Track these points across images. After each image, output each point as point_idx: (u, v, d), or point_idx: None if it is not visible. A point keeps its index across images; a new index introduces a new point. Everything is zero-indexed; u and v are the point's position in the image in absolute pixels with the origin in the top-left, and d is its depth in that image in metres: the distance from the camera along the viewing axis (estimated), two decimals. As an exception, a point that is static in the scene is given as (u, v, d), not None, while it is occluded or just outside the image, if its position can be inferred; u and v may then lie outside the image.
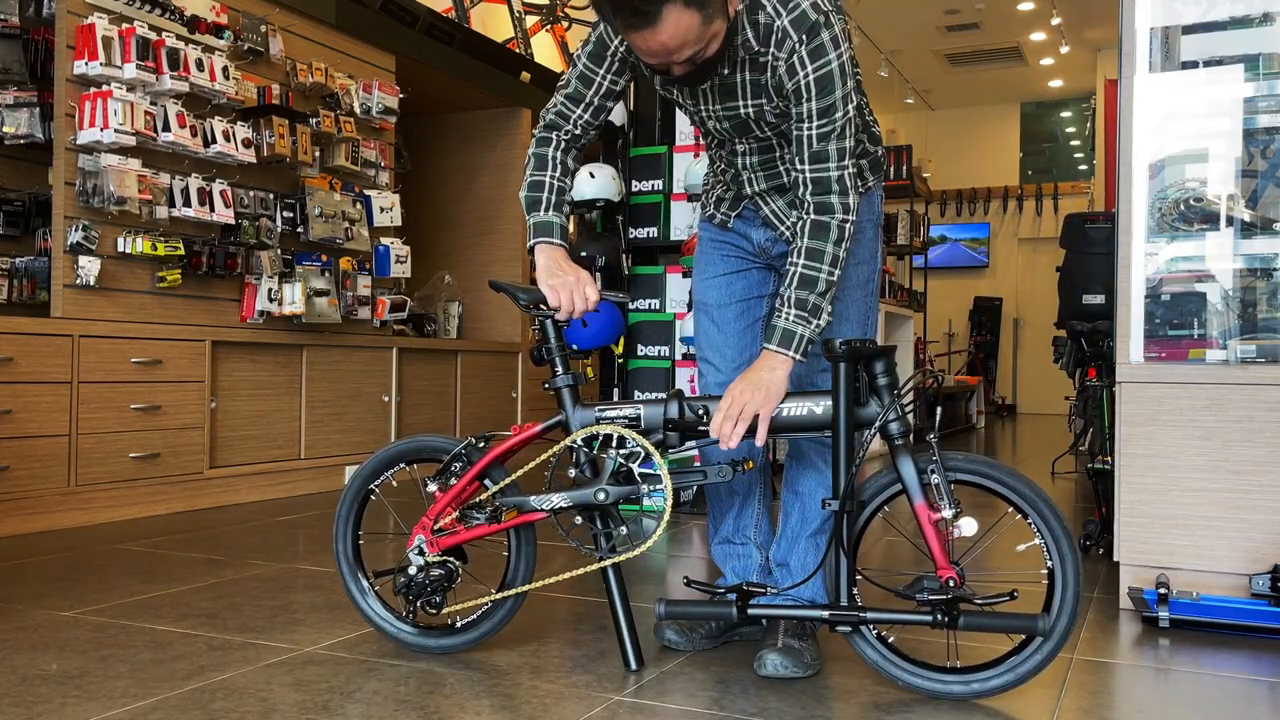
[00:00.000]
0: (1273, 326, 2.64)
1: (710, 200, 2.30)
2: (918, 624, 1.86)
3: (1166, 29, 2.73)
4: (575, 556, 3.23)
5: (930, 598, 1.83)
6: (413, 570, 2.10)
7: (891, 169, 9.47)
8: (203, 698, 1.85)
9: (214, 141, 4.14)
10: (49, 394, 3.63)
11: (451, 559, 2.11)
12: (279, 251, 4.45)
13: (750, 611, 1.94)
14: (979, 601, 1.83)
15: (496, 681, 1.98)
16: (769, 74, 1.94)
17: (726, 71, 1.97)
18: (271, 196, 4.49)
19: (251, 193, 4.38)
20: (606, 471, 2.01)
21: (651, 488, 1.99)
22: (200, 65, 4.08)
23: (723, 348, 2.25)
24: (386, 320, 5.11)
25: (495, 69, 6.21)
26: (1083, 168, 13.15)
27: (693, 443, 2.03)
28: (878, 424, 1.89)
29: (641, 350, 4.48)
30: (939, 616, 1.82)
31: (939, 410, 2.02)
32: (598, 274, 4.38)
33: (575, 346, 4.25)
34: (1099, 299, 4.03)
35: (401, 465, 2.19)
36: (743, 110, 2.02)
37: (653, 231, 4.56)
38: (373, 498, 2.22)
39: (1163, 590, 2.45)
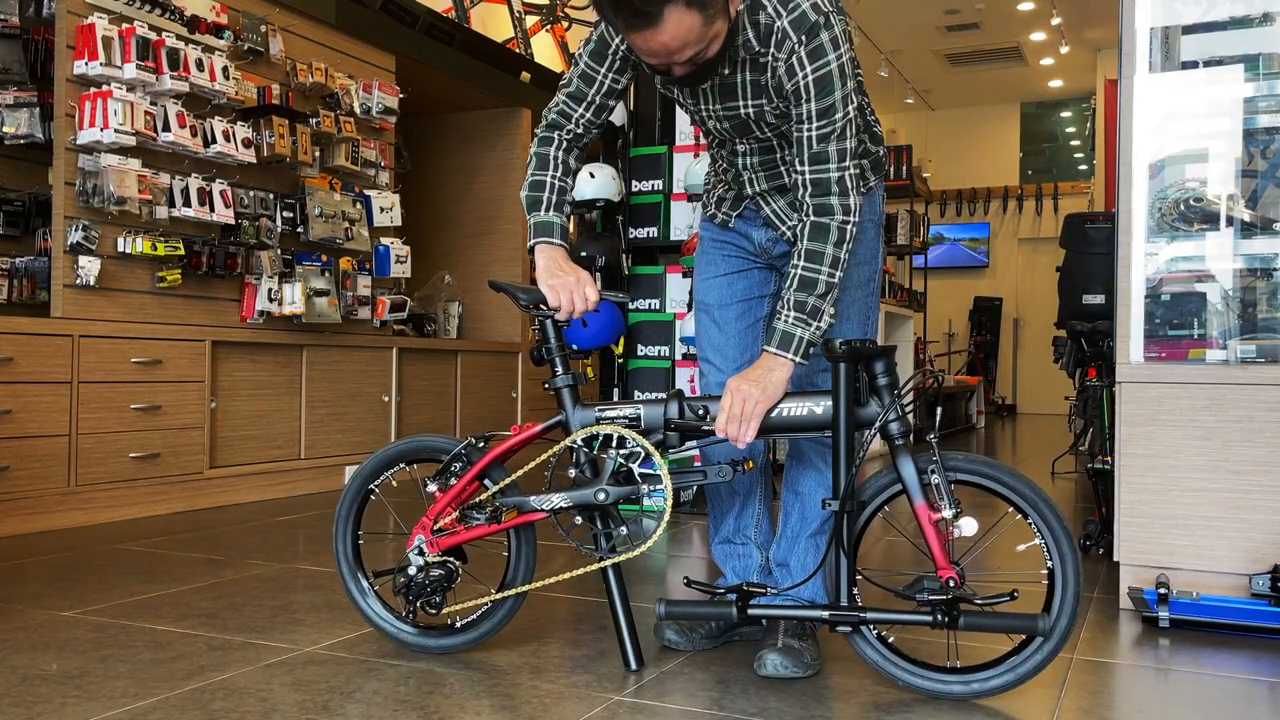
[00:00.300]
0: (1273, 326, 2.64)
1: (711, 200, 2.30)
2: (918, 624, 1.86)
3: (1166, 29, 2.73)
4: (575, 556, 3.23)
5: (930, 598, 1.83)
6: (412, 570, 2.10)
7: (891, 169, 9.47)
8: (203, 698, 1.86)
9: (214, 141, 4.14)
10: (49, 394, 3.63)
11: (451, 559, 2.11)
12: (279, 251, 4.45)
13: (750, 612, 1.94)
14: (979, 601, 1.83)
15: (496, 681, 1.98)
16: (769, 74, 1.94)
17: (727, 71, 1.97)
18: (271, 196, 4.49)
19: (251, 193, 4.38)
20: (606, 472, 2.01)
21: (651, 488, 1.99)
22: (200, 65, 4.08)
23: (724, 348, 2.25)
24: (386, 320, 5.11)
25: (495, 69, 6.20)
26: (1083, 168, 13.15)
27: (693, 443, 2.03)
28: (878, 424, 1.89)
29: (641, 350, 4.48)
30: (939, 617, 1.82)
31: (939, 410, 2.02)
32: (598, 274, 4.37)
33: (575, 346, 4.25)
34: (1099, 299, 4.03)
35: (401, 465, 2.19)
36: (743, 110, 2.02)
37: (653, 231, 4.56)
38: (373, 498, 2.22)
39: (1163, 590, 2.45)
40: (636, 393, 4.44)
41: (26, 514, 3.56)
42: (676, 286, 4.47)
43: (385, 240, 5.11)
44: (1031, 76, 12.32)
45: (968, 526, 1.82)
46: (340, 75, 4.88)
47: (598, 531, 2.04)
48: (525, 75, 6.47)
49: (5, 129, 3.88)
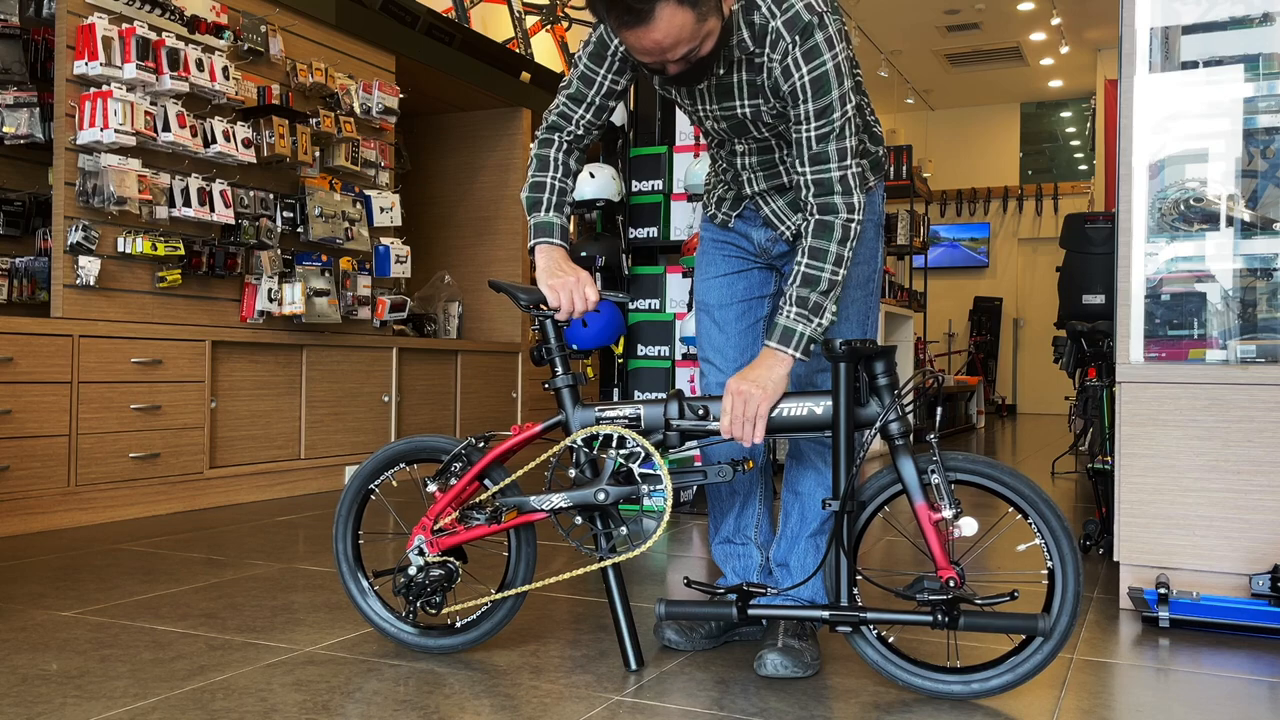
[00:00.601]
0: (1273, 326, 2.64)
1: (712, 200, 2.30)
2: (918, 624, 1.86)
3: (1166, 29, 2.73)
4: (575, 556, 3.23)
5: (930, 598, 1.83)
6: (413, 570, 2.10)
7: (891, 169, 9.47)
8: (203, 698, 1.86)
9: (214, 141, 4.15)
10: (49, 394, 3.63)
11: (451, 559, 2.11)
12: (279, 251, 4.45)
13: (750, 612, 1.94)
14: (979, 602, 1.83)
15: (496, 681, 1.98)
16: (765, 75, 1.94)
17: (723, 72, 1.97)
18: (271, 196, 4.49)
19: (251, 193, 4.38)
20: (606, 472, 2.01)
21: (651, 488, 1.99)
22: (200, 65, 4.08)
23: (724, 348, 2.25)
24: (386, 320, 5.11)
25: (495, 69, 6.21)
26: (1083, 168, 13.15)
27: (693, 443, 2.03)
28: (878, 424, 1.89)
29: (641, 350, 4.48)
30: (939, 617, 1.82)
31: (939, 410, 2.02)
32: (598, 274, 4.38)
33: (575, 346, 4.25)
34: (1099, 299, 4.03)
35: (401, 465, 2.19)
36: (739, 110, 2.02)
37: (653, 231, 4.56)
38: (373, 498, 2.22)
39: (1163, 590, 2.46)
40: (636, 393, 4.44)
41: (26, 514, 3.56)
42: (676, 286, 4.47)
43: (385, 240, 5.11)
44: (1031, 76, 12.32)
45: (968, 526, 1.82)
46: (340, 75, 4.88)
47: (598, 531, 2.04)
48: (525, 75, 6.47)
49: (5, 129, 3.88)
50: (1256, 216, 2.71)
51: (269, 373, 4.53)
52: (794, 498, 2.21)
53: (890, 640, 1.94)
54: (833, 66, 1.88)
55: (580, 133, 2.11)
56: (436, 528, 2.11)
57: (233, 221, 4.23)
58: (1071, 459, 6.26)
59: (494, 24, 7.41)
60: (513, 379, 6.24)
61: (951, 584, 1.82)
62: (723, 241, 2.28)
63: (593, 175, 4.42)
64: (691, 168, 4.38)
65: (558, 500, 2.02)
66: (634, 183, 4.60)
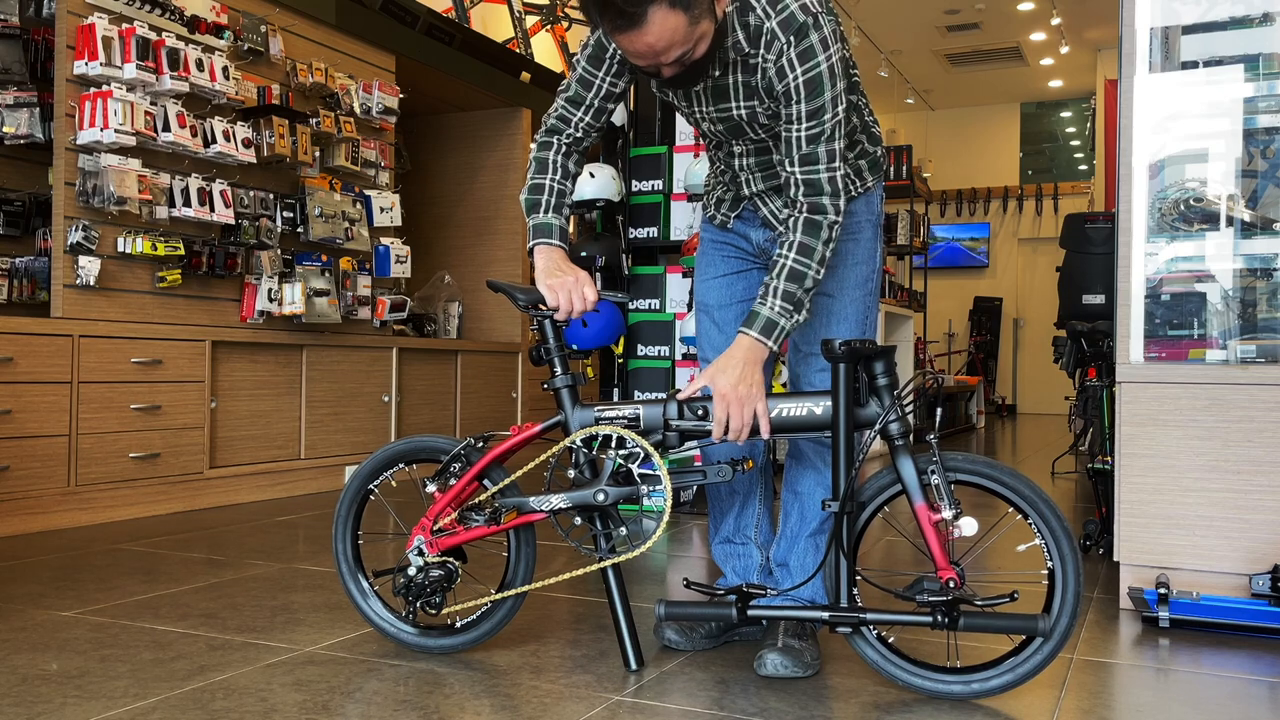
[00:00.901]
0: (1273, 326, 2.64)
1: (711, 201, 2.30)
2: (918, 625, 1.86)
3: (1166, 29, 2.73)
4: (575, 557, 3.23)
5: (930, 598, 1.83)
6: (412, 571, 2.10)
7: (891, 169, 9.47)
8: (203, 698, 1.86)
9: (214, 141, 4.15)
10: (49, 394, 3.63)
11: (451, 559, 2.11)
12: (279, 251, 4.45)
13: (750, 612, 1.94)
14: (979, 602, 1.83)
15: (496, 681, 1.98)
16: (759, 76, 1.94)
17: (718, 73, 1.98)
18: (271, 196, 4.49)
19: (251, 193, 4.38)
20: (606, 472, 2.01)
21: (651, 488, 1.99)
22: (200, 65, 4.08)
23: (723, 348, 2.24)
24: (386, 320, 5.11)
25: (495, 69, 6.21)
26: (1083, 168, 13.15)
27: (692, 443, 2.03)
28: (878, 425, 1.89)
29: (641, 350, 4.48)
30: (939, 617, 1.82)
31: (939, 411, 2.02)
32: (598, 274, 4.37)
33: (575, 347, 4.25)
34: (1099, 299, 4.03)
35: (401, 465, 2.19)
36: (735, 112, 2.03)
37: (653, 231, 4.56)
38: (372, 498, 2.22)
39: (1163, 590, 2.45)
40: (636, 393, 4.44)
41: (26, 514, 3.56)
42: (676, 286, 4.47)
43: (385, 240, 5.11)
44: (1031, 76, 12.32)
45: (968, 527, 1.82)
46: (340, 75, 4.88)
47: (597, 532, 2.04)
48: (525, 75, 6.47)
49: (5, 129, 3.88)
50: (1256, 216, 2.71)
51: (269, 373, 4.53)
52: (793, 497, 2.21)
53: (890, 640, 1.94)
54: (827, 68, 1.89)
55: (579, 135, 2.12)
56: (436, 528, 2.11)
57: (233, 221, 4.24)
58: (1071, 459, 6.26)
59: (494, 24, 7.41)
60: (512, 379, 6.24)
61: (951, 584, 1.82)
62: (722, 242, 2.29)
63: (593, 175, 4.42)
64: (691, 168, 4.38)
65: (557, 501, 2.02)
66: (634, 183, 4.60)
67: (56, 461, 3.65)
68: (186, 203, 4.06)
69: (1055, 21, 10.38)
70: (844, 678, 2.03)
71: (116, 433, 3.85)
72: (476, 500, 2.11)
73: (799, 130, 1.93)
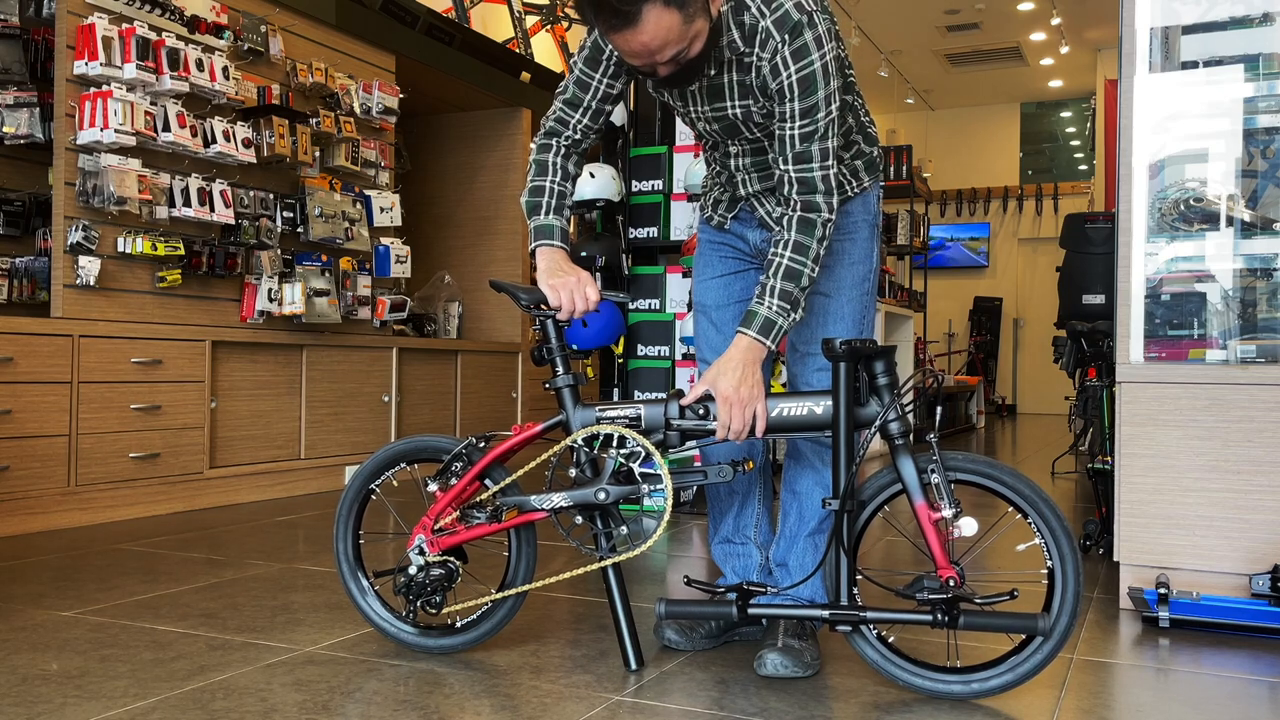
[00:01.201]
0: (1273, 326, 2.64)
1: (708, 202, 2.31)
2: (918, 624, 1.86)
3: (1166, 29, 2.73)
4: (575, 556, 3.23)
5: (930, 597, 1.83)
6: (413, 570, 2.10)
7: (891, 169, 9.47)
8: (203, 698, 1.86)
9: (214, 141, 4.15)
10: (49, 394, 3.63)
11: (452, 559, 2.11)
12: (279, 251, 4.45)
13: (750, 611, 1.94)
14: (979, 601, 1.84)
15: (496, 681, 1.98)
16: (754, 74, 1.95)
17: (713, 73, 1.98)
18: (271, 196, 4.49)
19: (251, 193, 4.38)
20: (607, 471, 2.01)
21: (652, 487, 1.99)
22: (200, 65, 4.08)
23: (721, 348, 2.25)
24: (386, 320, 5.11)
25: (495, 69, 6.21)
26: (1083, 168, 13.15)
27: (693, 442, 2.03)
28: (877, 423, 1.89)
29: (641, 350, 4.48)
30: (939, 616, 1.82)
31: (939, 410, 2.02)
32: (598, 274, 4.37)
33: (575, 346, 4.25)
34: (1099, 299, 4.03)
35: (402, 465, 2.19)
36: (730, 111, 2.03)
37: (653, 231, 4.56)
38: (374, 498, 2.22)
39: (1163, 590, 2.46)
40: (636, 393, 4.44)
41: (26, 514, 3.56)
42: (676, 286, 4.47)
43: (385, 240, 5.11)
44: (1031, 76, 12.32)
45: (968, 526, 1.82)
46: (340, 75, 4.88)
47: (598, 531, 2.04)
48: (525, 75, 6.48)
49: (5, 129, 3.88)
50: (1256, 216, 2.71)
51: (269, 373, 4.53)
52: (792, 497, 2.22)
53: (890, 640, 1.94)
54: (820, 66, 1.89)
55: (578, 137, 2.12)
56: (437, 527, 2.11)
57: (233, 221, 4.24)
58: (1071, 459, 6.26)
59: (494, 24, 7.41)
60: (513, 379, 6.24)
61: (951, 583, 1.82)
62: (719, 243, 2.29)
63: (593, 175, 4.42)
64: (691, 168, 4.38)
65: (558, 500, 2.02)
66: (634, 183, 4.61)
67: (56, 461, 3.65)
68: (186, 203, 4.06)
69: (1055, 21, 10.38)
70: (844, 678, 2.03)
71: (116, 433, 3.85)
72: (478, 499, 2.11)
73: (792, 129, 1.94)
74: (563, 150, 2.12)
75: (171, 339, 4.06)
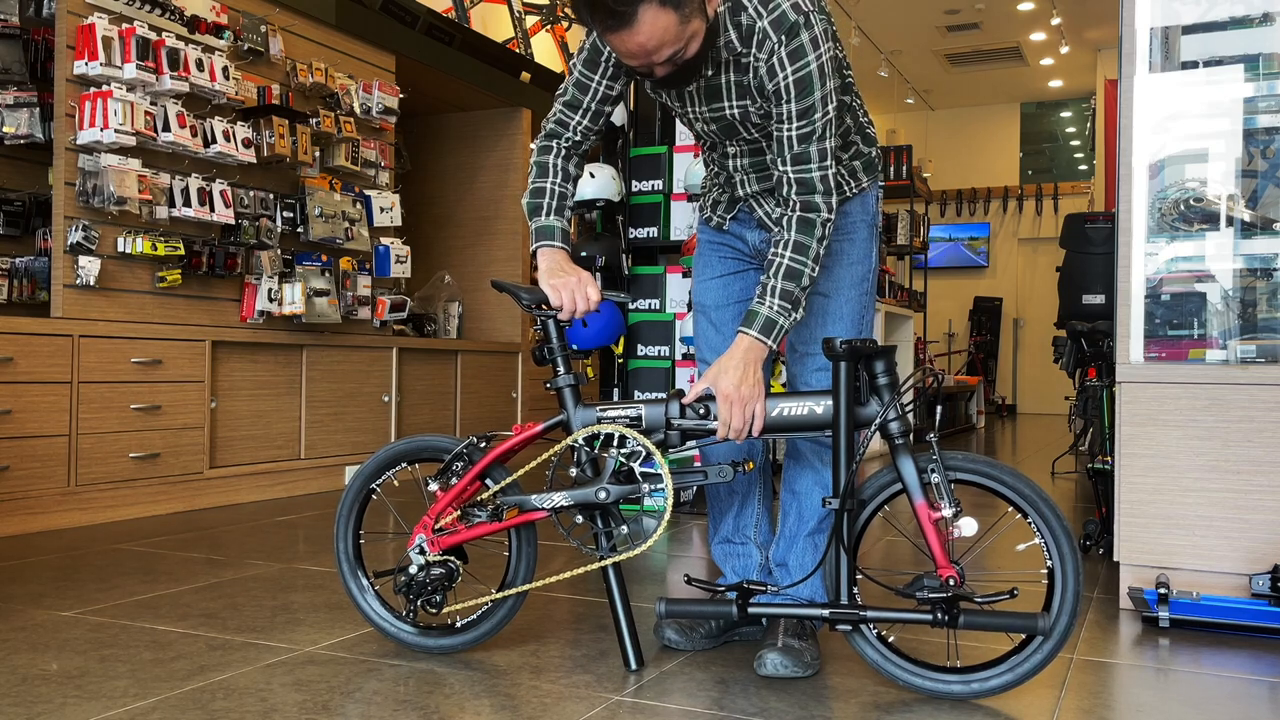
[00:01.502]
0: (1273, 326, 2.64)
1: (707, 203, 2.32)
2: (918, 623, 1.86)
3: (1166, 29, 2.73)
4: (575, 556, 3.23)
5: (930, 596, 1.83)
6: (413, 569, 2.10)
7: (891, 169, 9.47)
8: (203, 698, 1.86)
9: (214, 141, 4.15)
10: (49, 394, 3.63)
11: (452, 558, 2.11)
12: (279, 251, 4.45)
13: (750, 610, 1.94)
14: (979, 600, 1.84)
15: (496, 681, 1.98)
16: (751, 75, 1.95)
17: (711, 73, 1.99)
18: (271, 196, 4.49)
19: (251, 193, 4.38)
20: (607, 471, 2.01)
21: (652, 487, 1.99)
22: (200, 65, 4.08)
23: (721, 348, 2.25)
24: (386, 320, 5.11)
25: (495, 69, 6.21)
26: (1083, 168, 13.15)
27: (693, 442, 2.03)
28: (877, 423, 1.89)
29: (641, 350, 4.48)
30: (939, 615, 1.82)
31: (939, 410, 2.02)
32: (598, 274, 4.37)
33: (575, 346, 4.25)
34: (1099, 299, 4.03)
35: (403, 465, 2.19)
36: (728, 112, 2.03)
37: (653, 231, 4.56)
38: (374, 497, 2.22)
39: (1163, 590, 2.46)
40: (637, 393, 4.44)
41: (26, 514, 3.56)
42: (676, 286, 4.47)
43: (385, 240, 5.11)
44: (1031, 76, 12.32)
45: (967, 526, 1.82)
46: (340, 75, 4.88)
47: (598, 530, 2.04)
48: (525, 75, 6.48)
49: (5, 129, 3.88)
50: (1256, 216, 2.71)
51: (269, 373, 4.53)
52: (792, 497, 2.22)
53: (890, 640, 1.94)
54: (817, 67, 1.90)
55: (578, 139, 2.13)
56: (437, 527, 2.11)
57: (233, 221, 4.24)
58: (1071, 459, 6.26)
59: (494, 24, 7.41)
60: (513, 379, 6.24)
61: (951, 583, 1.82)
62: (718, 243, 2.30)
63: (593, 175, 4.42)
64: (691, 168, 4.38)
65: (559, 499, 2.02)
66: (634, 183, 4.61)
67: (56, 461, 3.65)
68: (186, 203, 4.06)
69: (1055, 21, 10.38)
70: (844, 678, 2.03)
71: (116, 433, 3.85)
72: (478, 499, 2.11)
73: (790, 129, 1.94)
74: (563, 152, 2.12)
75: (171, 339, 4.06)
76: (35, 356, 3.59)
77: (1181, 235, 2.71)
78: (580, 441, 2.03)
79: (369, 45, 5.13)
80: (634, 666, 2.05)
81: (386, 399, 5.16)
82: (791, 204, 1.97)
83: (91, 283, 3.77)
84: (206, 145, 4.13)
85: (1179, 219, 2.71)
